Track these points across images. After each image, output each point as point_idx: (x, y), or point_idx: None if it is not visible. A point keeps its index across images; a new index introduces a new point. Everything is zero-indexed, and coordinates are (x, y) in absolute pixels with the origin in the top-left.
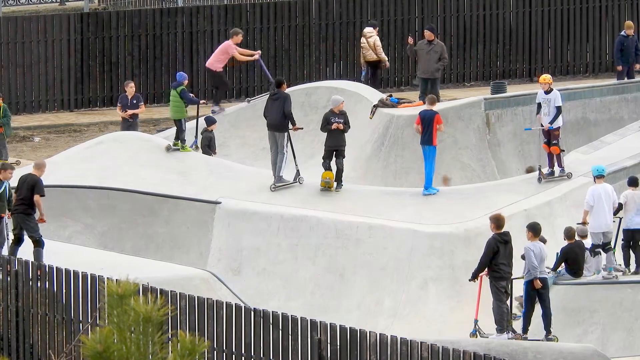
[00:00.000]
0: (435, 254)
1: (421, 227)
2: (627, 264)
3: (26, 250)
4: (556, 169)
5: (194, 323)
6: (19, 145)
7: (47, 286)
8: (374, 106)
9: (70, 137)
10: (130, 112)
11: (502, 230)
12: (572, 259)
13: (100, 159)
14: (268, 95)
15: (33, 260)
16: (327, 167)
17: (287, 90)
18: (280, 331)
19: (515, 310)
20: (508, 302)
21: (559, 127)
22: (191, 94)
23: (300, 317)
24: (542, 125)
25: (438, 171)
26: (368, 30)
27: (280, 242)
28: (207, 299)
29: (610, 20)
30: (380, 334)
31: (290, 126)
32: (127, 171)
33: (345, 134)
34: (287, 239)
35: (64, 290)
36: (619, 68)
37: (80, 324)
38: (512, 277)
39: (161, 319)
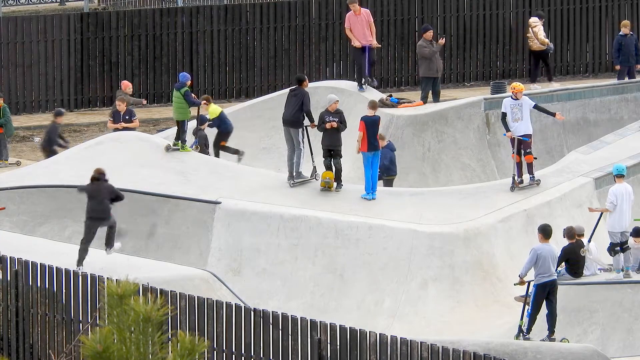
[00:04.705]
0: (435, 254)
1: (421, 227)
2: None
3: (26, 250)
4: (526, 177)
5: (194, 323)
6: (18, 145)
7: (47, 286)
8: None
9: (70, 137)
10: (123, 124)
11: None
12: (573, 259)
13: (100, 159)
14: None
15: None
16: (328, 166)
17: (286, 90)
18: (280, 331)
19: None
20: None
21: (531, 134)
22: (193, 95)
23: (300, 317)
24: (511, 134)
25: (438, 171)
26: (533, 20)
27: (280, 242)
28: (207, 299)
29: (610, 20)
30: (380, 334)
31: (307, 123)
32: (127, 171)
33: (342, 132)
34: (287, 239)
35: (64, 290)
36: (617, 68)
37: (80, 324)
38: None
39: (161, 319)
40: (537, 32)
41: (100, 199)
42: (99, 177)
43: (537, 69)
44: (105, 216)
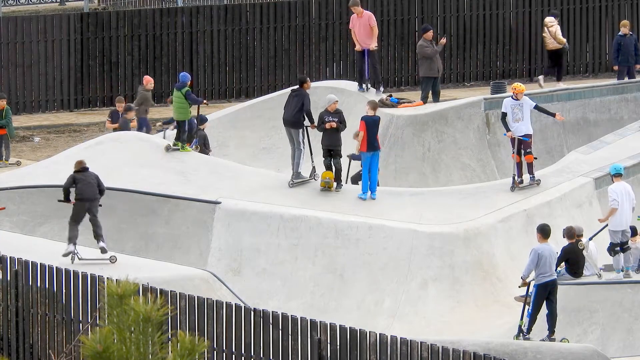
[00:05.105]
0: (435, 254)
1: (421, 227)
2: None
3: (26, 250)
4: (526, 177)
5: (194, 323)
6: (18, 145)
7: (47, 286)
8: None
9: (70, 137)
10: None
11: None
12: (573, 259)
13: (100, 159)
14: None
15: None
16: (328, 166)
17: (286, 90)
18: (280, 331)
19: None
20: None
21: (531, 134)
22: (193, 94)
23: (300, 317)
24: (512, 134)
25: (438, 171)
26: (549, 19)
27: (280, 242)
28: (207, 299)
29: (610, 20)
30: (380, 334)
31: (307, 123)
32: (127, 171)
33: (342, 132)
34: (287, 239)
35: (64, 290)
36: (615, 68)
37: (80, 324)
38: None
39: (161, 319)
40: (555, 31)
41: (89, 183)
42: (82, 167)
43: (554, 67)
44: (95, 197)
